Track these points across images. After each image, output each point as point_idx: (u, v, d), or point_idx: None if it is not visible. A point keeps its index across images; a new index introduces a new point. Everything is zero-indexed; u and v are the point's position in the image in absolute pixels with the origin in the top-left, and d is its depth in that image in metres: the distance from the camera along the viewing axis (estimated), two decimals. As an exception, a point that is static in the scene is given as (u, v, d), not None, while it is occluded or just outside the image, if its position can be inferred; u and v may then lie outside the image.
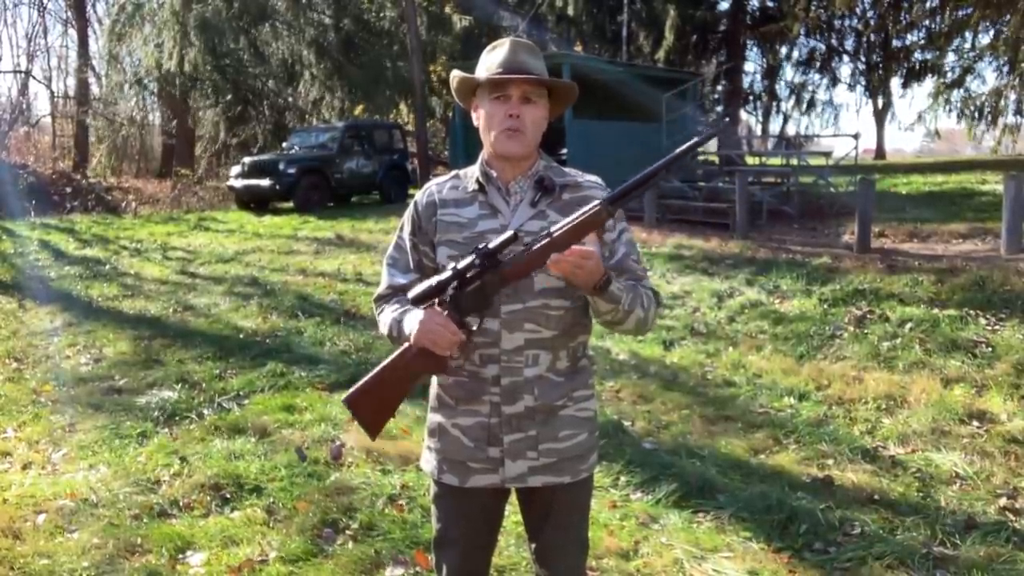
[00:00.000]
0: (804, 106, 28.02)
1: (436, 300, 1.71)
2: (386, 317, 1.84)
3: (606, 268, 1.66)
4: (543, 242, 1.66)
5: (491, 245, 1.66)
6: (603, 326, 1.81)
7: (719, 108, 24.51)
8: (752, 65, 27.43)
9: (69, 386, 5.45)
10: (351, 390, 1.77)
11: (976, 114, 20.15)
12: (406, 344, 1.73)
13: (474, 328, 1.71)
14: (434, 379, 1.90)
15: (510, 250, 1.67)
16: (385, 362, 1.75)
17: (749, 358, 5.71)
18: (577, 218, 1.66)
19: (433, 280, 1.71)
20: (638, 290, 1.76)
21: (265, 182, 14.72)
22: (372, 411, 1.77)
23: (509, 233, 1.65)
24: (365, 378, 1.76)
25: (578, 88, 1.88)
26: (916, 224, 10.05)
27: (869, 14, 24.56)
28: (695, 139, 1.74)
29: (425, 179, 16.18)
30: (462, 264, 1.68)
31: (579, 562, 1.93)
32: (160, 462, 3.98)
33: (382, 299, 1.90)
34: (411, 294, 1.73)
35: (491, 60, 1.79)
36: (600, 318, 1.76)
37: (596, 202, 1.67)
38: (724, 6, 24.60)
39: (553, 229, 1.66)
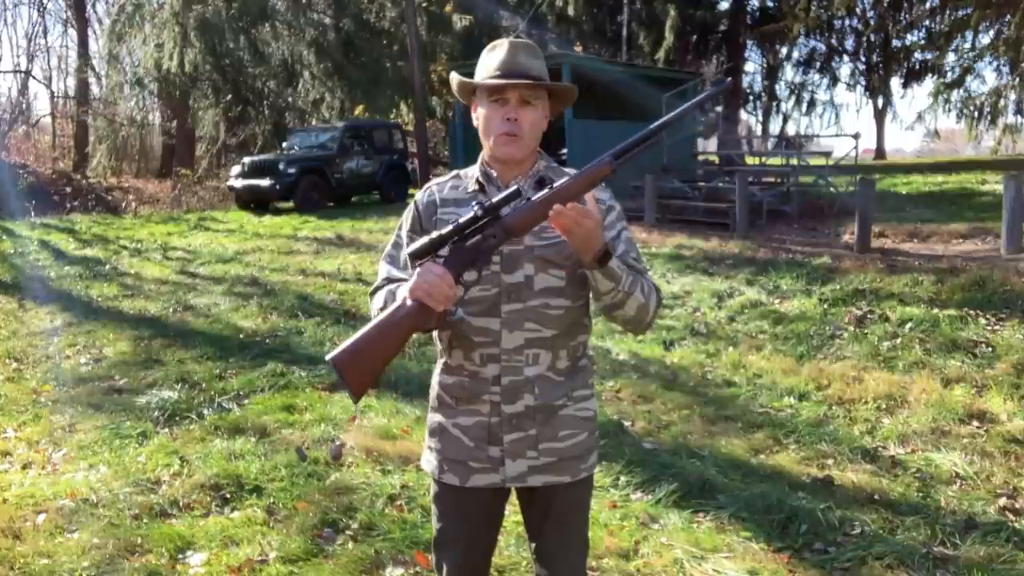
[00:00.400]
0: (804, 106, 28.06)
1: (434, 256, 1.67)
2: (379, 296, 1.81)
3: (607, 242, 1.65)
4: (545, 193, 1.64)
5: (494, 200, 1.64)
6: (604, 313, 1.78)
7: (719, 108, 24.50)
8: (752, 65, 27.48)
9: (69, 386, 5.45)
10: (338, 348, 1.68)
11: (976, 114, 20.15)
12: (398, 302, 1.68)
13: (472, 282, 1.68)
14: (434, 379, 1.90)
15: (512, 205, 1.65)
16: (375, 320, 1.69)
17: (749, 358, 5.71)
18: (582, 172, 1.65)
19: (433, 234, 1.67)
20: (637, 275, 1.75)
21: (265, 182, 14.73)
22: (359, 370, 1.68)
23: (512, 188, 1.63)
24: (353, 336, 1.69)
25: (577, 89, 1.88)
26: (916, 224, 10.05)
27: (869, 14, 24.58)
28: (700, 96, 1.74)
29: (425, 179, 16.18)
30: (464, 219, 1.65)
31: (579, 562, 1.93)
32: (160, 462, 3.98)
33: (378, 290, 1.89)
34: (410, 249, 1.68)
35: (489, 62, 1.79)
36: (600, 301, 1.73)
37: (602, 156, 1.66)
38: (724, 6, 24.64)
39: (556, 183, 1.66)
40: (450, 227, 1.65)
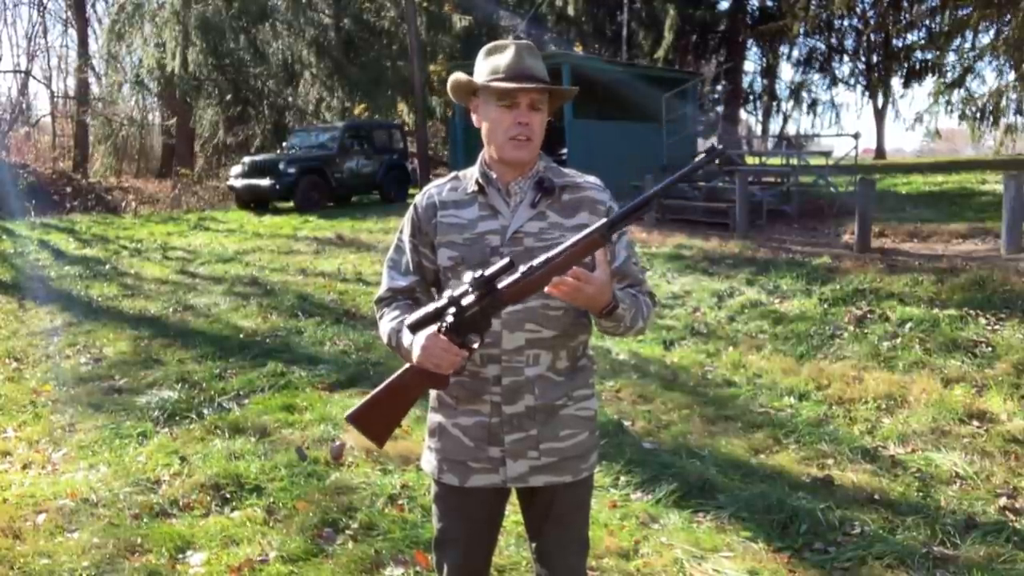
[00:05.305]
0: (804, 106, 28.05)
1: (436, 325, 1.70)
2: (385, 326, 1.84)
3: (614, 293, 1.67)
4: (542, 270, 1.63)
5: (486, 273, 1.63)
6: (601, 332, 1.84)
7: (719, 108, 24.53)
8: (752, 65, 27.46)
9: (69, 386, 5.45)
10: (354, 407, 1.78)
11: (977, 114, 20.13)
12: (408, 364, 1.74)
13: (475, 347, 1.71)
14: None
15: (506, 275, 1.64)
16: (388, 381, 1.76)
17: (749, 358, 5.71)
18: (576, 243, 1.63)
19: (430, 307, 1.69)
20: (639, 302, 1.78)
21: (265, 182, 14.72)
22: (377, 427, 1.79)
23: (505, 261, 1.62)
24: (368, 396, 1.77)
25: (576, 91, 1.90)
26: (916, 224, 10.05)
27: (869, 14, 24.57)
28: (695, 162, 1.69)
29: (425, 179, 16.19)
30: (457, 292, 1.66)
31: (579, 561, 1.93)
32: (160, 462, 3.99)
33: (382, 302, 1.90)
34: (408, 321, 1.72)
35: (496, 63, 1.77)
36: (600, 329, 1.79)
37: (596, 226, 1.63)
38: (724, 6, 24.63)
39: (551, 253, 1.64)
40: (445, 299, 1.67)
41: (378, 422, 1.78)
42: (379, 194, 16.40)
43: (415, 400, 1.77)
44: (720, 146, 1.82)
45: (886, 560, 2.98)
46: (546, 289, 1.61)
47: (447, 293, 1.69)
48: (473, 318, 1.67)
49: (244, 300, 7.76)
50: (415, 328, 1.70)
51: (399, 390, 1.75)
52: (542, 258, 1.65)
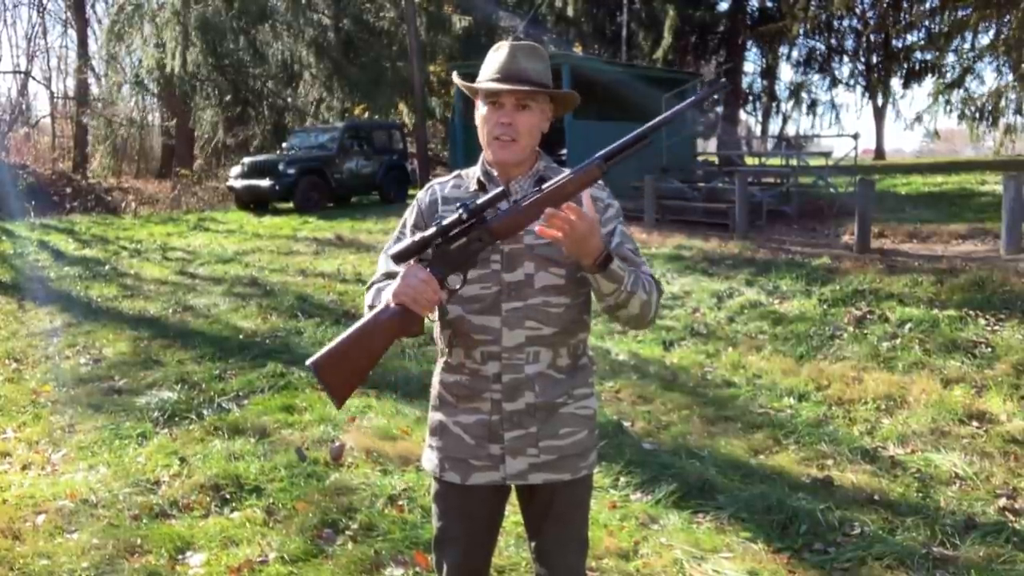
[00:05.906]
0: (804, 106, 28.03)
1: (418, 258, 1.66)
2: (370, 293, 1.81)
3: (605, 244, 1.64)
4: (533, 198, 1.63)
5: (479, 201, 1.63)
6: (607, 313, 1.76)
7: (719, 108, 24.51)
8: (752, 65, 27.44)
9: (69, 386, 5.45)
10: (318, 353, 1.64)
11: (977, 115, 20.15)
12: (382, 304, 1.67)
13: (456, 288, 1.66)
14: (435, 378, 1.90)
15: (498, 207, 1.64)
16: (358, 323, 1.66)
17: (749, 358, 5.71)
18: (572, 173, 1.64)
19: (417, 236, 1.66)
20: (637, 272, 1.74)
21: (265, 182, 14.73)
22: (340, 376, 1.64)
23: (499, 189, 1.62)
24: (335, 340, 1.66)
25: (578, 96, 1.87)
26: (916, 224, 10.06)
27: (869, 14, 24.59)
28: (691, 98, 1.73)
29: (425, 179, 16.17)
30: (447, 220, 1.64)
31: (579, 561, 1.93)
32: (160, 462, 3.98)
33: (373, 286, 1.87)
34: (393, 250, 1.68)
35: (490, 64, 1.79)
36: (603, 301, 1.72)
37: (592, 159, 1.64)
38: (724, 6, 24.59)
39: (544, 185, 1.65)
40: (434, 229, 1.64)
41: (342, 370, 1.63)
42: (379, 195, 16.41)
43: (384, 348, 1.66)
44: (723, 80, 1.84)
45: (886, 560, 2.98)
46: (537, 229, 1.58)
47: (436, 220, 1.67)
48: (459, 250, 1.65)
49: (244, 301, 7.76)
50: (399, 259, 1.65)
51: (367, 333, 1.63)
52: (535, 188, 1.64)
